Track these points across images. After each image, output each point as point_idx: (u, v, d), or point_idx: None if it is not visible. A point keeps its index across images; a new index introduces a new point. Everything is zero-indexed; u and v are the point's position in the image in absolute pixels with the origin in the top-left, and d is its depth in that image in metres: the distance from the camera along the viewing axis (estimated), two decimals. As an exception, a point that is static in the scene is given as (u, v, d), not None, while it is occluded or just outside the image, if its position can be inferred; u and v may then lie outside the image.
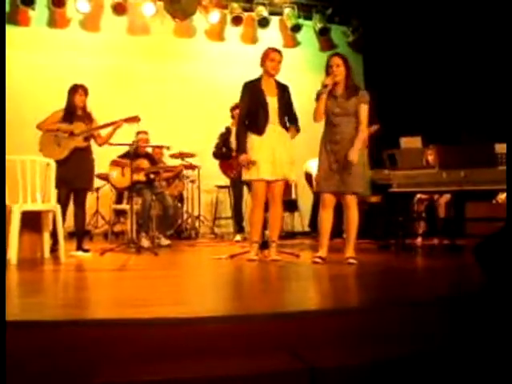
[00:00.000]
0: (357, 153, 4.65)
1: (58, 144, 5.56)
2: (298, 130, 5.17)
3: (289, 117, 5.12)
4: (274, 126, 5.01)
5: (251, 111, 5.04)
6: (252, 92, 5.05)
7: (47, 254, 5.28)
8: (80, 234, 5.74)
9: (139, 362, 2.21)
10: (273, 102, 5.02)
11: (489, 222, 5.66)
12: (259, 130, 4.99)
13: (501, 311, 2.69)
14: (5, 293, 2.94)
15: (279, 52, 5.10)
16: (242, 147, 5.06)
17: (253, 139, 5.02)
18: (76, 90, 5.70)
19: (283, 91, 5.08)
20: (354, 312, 2.70)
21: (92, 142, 5.82)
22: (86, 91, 5.74)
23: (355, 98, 4.76)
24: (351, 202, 4.75)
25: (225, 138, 7.63)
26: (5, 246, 4.79)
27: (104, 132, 5.83)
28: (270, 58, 5.04)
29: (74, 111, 5.69)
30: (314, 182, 4.97)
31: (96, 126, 5.75)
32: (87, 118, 5.75)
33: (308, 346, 2.37)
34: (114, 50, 9.19)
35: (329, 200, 4.78)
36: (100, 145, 5.86)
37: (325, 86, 4.70)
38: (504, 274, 3.57)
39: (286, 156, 5.01)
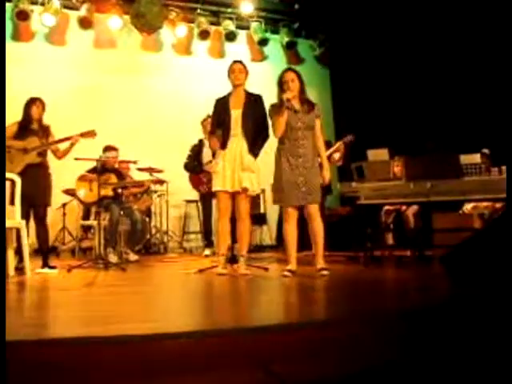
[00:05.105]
0: (328, 172, 4.94)
1: (11, 160, 5.40)
2: (263, 140, 5.16)
3: (258, 127, 5.12)
4: (236, 138, 5.07)
5: (219, 126, 5.15)
6: (220, 107, 5.18)
7: (12, 271, 5.16)
8: (44, 251, 5.63)
9: (109, 380, 2.16)
10: (236, 115, 5.08)
11: (455, 232, 5.73)
12: (224, 143, 5.10)
13: (469, 320, 2.72)
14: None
15: (240, 62, 5.23)
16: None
17: (218, 153, 5.14)
18: (33, 102, 5.61)
19: (252, 102, 5.12)
20: (325, 325, 2.69)
21: (51, 156, 5.71)
22: (43, 104, 5.65)
23: (313, 112, 4.86)
24: (316, 213, 4.80)
25: (197, 150, 7.58)
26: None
27: (62, 146, 5.73)
28: (231, 69, 5.18)
29: (29, 124, 5.57)
30: (275, 195, 4.96)
31: (50, 142, 5.64)
32: (43, 131, 5.63)
33: (279, 360, 2.35)
34: (80, 63, 9.10)
35: (293, 213, 4.82)
36: (59, 158, 5.76)
37: (288, 99, 4.74)
38: (472, 282, 3.62)
39: (244, 167, 5.03)
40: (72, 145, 5.62)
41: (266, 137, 5.14)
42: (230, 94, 5.21)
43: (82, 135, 5.61)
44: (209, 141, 5.40)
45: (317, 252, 4.85)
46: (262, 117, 5.11)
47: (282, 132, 4.81)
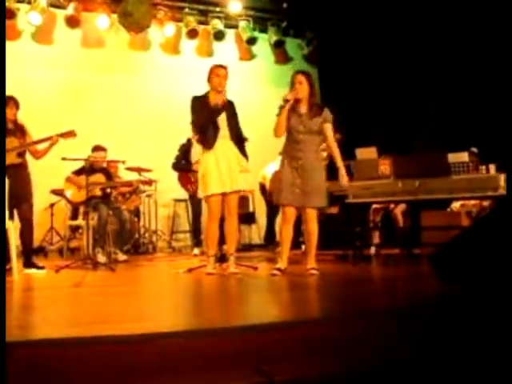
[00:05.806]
0: (345, 176, 4.89)
1: None
2: (244, 142, 5.19)
3: (238, 130, 5.14)
4: (224, 139, 5.03)
5: (202, 125, 5.06)
6: (199, 105, 5.06)
7: (-1, 272, 5.12)
8: (28, 251, 5.56)
9: (98, 380, 2.15)
10: (222, 117, 5.04)
11: (444, 230, 5.76)
12: (209, 143, 5.02)
13: (460, 317, 2.74)
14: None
15: (225, 68, 5.11)
16: None
17: (206, 153, 5.05)
18: (7, 102, 5.51)
19: (230, 106, 5.10)
20: (314, 323, 2.70)
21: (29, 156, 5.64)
22: (17, 104, 5.58)
23: (319, 117, 4.81)
24: (312, 216, 4.80)
25: (185, 149, 7.56)
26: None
27: (40, 146, 5.66)
28: (216, 73, 5.05)
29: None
30: (275, 194, 4.96)
31: (30, 142, 5.58)
32: (19, 131, 5.56)
33: (269, 359, 2.35)
34: (67, 62, 9.02)
35: (290, 213, 4.81)
36: (38, 158, 5.69)
37: (286, 100, 4.72)
38: (460, 280, 3.63)
39: (242, 168, 5.03)
40: (51, 145, 5.56)
41: (244, 140, 5.17)
42: (208, 94, 5.10)
43: (62, 135, 5.55)
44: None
45: (309, 251, 4.85)
46: (238, 121, 5.14)
47: (280, 132, 4.80)
